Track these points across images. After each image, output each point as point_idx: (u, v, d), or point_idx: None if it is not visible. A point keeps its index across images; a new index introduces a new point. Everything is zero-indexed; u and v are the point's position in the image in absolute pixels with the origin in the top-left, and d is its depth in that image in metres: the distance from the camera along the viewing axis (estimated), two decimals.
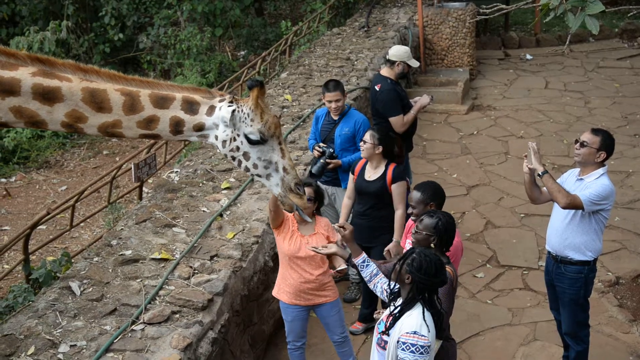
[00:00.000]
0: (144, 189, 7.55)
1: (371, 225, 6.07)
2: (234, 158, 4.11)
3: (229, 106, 3.97)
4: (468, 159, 10.09)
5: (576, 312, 5.35)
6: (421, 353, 3.75)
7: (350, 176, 6.35)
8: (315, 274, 5.24)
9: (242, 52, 15.97)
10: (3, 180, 10.91)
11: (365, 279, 4.46)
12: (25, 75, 3.62)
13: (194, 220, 6.16)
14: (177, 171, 7.31)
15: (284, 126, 8.41)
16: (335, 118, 6.86)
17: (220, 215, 6.28)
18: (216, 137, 4.03)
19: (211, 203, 6.52)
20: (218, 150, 4.10)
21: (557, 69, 13.95)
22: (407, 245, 5.08)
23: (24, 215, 9.58)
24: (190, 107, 3.94)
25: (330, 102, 6.76)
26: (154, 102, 3.85)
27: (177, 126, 3.93)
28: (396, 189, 5.98)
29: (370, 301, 6.38)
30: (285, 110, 8.96)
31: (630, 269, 7.13)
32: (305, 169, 7.25)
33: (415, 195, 4.98)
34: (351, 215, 6.35)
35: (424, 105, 7.42)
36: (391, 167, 6.07)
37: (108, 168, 7.22)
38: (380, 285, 4.37)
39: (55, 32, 13.26)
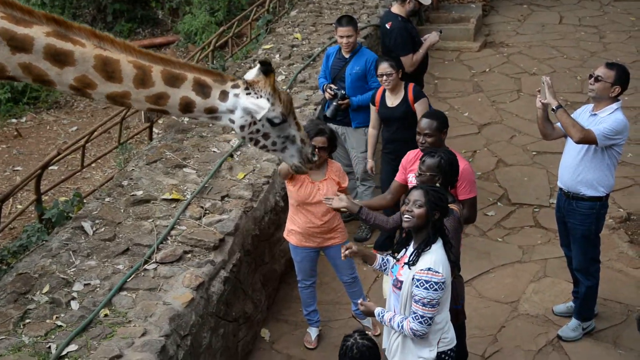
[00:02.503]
0: (154, 129, 7.53)
1: (401, 148, 5.97)
2: (251, 139, 4.13)
3: (247, 94, 3.94)
4: (480, 97, 9.98)
5: (587, 248, 5.36)
6: (435, 290, 3.81)
7: (372, 107, 6.46)
8: (324, 219, 5.25)
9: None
10: (14, 120, 10.91)
11: (384, 272, 4.43)
12: (39, 34, 3.57)
13: (205, 161, 6.16)
14: None
15: (294, 65, 8.33)
16: (347, 55, 6.78)
17: (231, 155, 6.27)
18: (231, 121, 4.03)
19: (221, 143, 6.50)
20: (233, 132, 4.10)
21: (572, 3, 13.65)
22: (411, 179, 5.05)
23: (35, 156, 9.61)
24: (202, 89, 3.91)
25: (342, 37, 6.67)
26: (166, 79, 3.81)
27: (187, 106, 3.92)
28: (419, 107, 6.17)
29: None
30: (295, 49, 8.85)
31: None
32: (315, 109, 7.21)
33: (429, 123, 4.94)
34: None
35: (432, 43, 7.33)
36: (410, 87, 6.28)
37: (118, 109, 7.18)
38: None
39: None
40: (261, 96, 3.94)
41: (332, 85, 6.69)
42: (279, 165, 5.53)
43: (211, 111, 3.99)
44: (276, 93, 4.01)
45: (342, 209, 4.78)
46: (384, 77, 6.13)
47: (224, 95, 3.95)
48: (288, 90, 7.59)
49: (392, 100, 6.27)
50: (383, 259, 4.37)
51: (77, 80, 3.70)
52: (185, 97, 3.89)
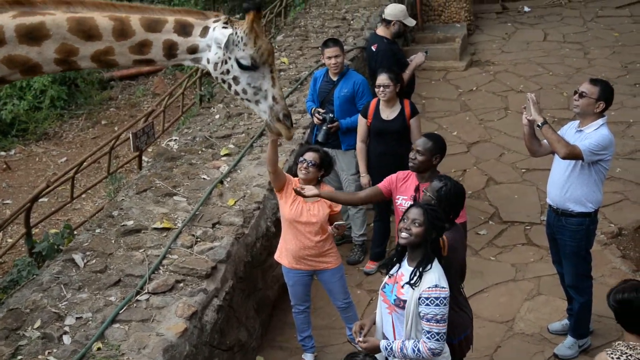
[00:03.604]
0: (143, 158, 7.51)
1: (393, 163, 5.95)
2: (224, 81, 4.02)
3: (224, 27, 3.87)
4: (468, 115, 10.03)
5: (578, 264, 5.36)
6: (445, 305, 3.85)
7: (362, 120, 6.46)
8: (315, 240, 5.22)
9: (237, 15, 15.79)
10: (2, 153, 10.87)
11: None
12: (6, 19, 3.48)
13: (195, 188, 6.15)
14: (175, 139, 7.28)
15: (282, 89, 8.32)
16: (335, 78, 6.81)
17: (221, 182, 6.26)
18: (208, 60, 3.94)
19: (211, 170, 6.50)
20: (211, 73, 4.00)
21: (556, 20, 13.79)
22: (401, 202, 5.04)
23: (25, 189, 9.57)
24: (184, 29, 3.83)
25: (329, 58, 6.70)
26: (145, 25, 3.73)
27: (170, 49, 3.82)
28: (414, 122, 6.27)
29: (381, 240, 6.51)
30: (282, 73, 8.87)
31: (632, 219, 7.13)
32: (304, 132, 7.22)
33: (425, 142, 4.95)
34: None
35: (419, 63, 7.38)
36: (406, 102, 6.35)
37: (107, 138, 7.19)
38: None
39: None
40: (237, 33, 3.83)
41: (320, 110, 6.71)
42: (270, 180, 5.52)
43: (193, 50, 3.89)
44: (253, 34, 3.86)
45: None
46: (381, 88, 6.18)
47: (204, 31, 3.87)
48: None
49: (388, 114, 6.29)
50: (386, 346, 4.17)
51: (58, 51, 3.59)
52: (168, 39, 3.81)
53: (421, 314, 3.86)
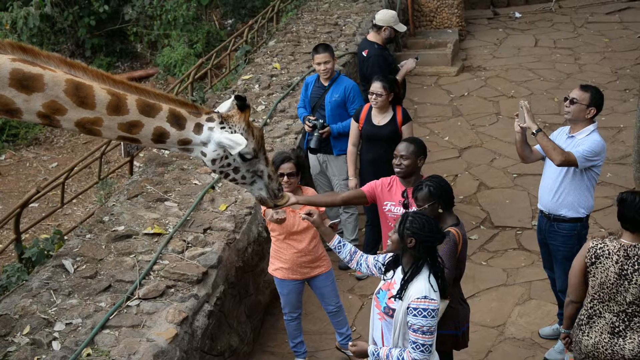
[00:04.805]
0: (134, 163, 7.51)
1: (383, 168, 5.94)
2: (222, 172, 4.08)
3: (222, 127, 3.91)
4: (459, 120, 10.06)
5: (569, 269, 5.37)
6: (433, 317, 3.81)
7: (354, 124, 6.45)
8: (312, 245, 5.26)
9: (229, 21, 15.78)
10: None
11: (345, 260, 4.44)
12: (4, 60, 3.42)
13: (186, 194, 6.14)
14: None
15: (274, 95, 8.36)
16: (325, 83, 6.82)
17: (212, 187, 6.25)
18: (203, 154, 3.98)
19: (202, 175, 6.49)
20: (207, 165, 4.06)
21: (547, 26, 13.85)
22: (389, 207, 5.05)
23: (16, 194, 9.55)
24: (177, 120, 3.85)
25: (319, 64, 6.71)
26: (141, 108, 3.73)
27: (160, 137, 3.84)
28: (406, 129, 6.25)
29: (373, 244, 6.50)
30: (274, 78, 8.88)
31: None
32: (296, 137, 7.22)
33: (407, 146, 4.95)
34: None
35: (409, 69, 7.40)
36: (398, 108, 6.31)
37: (98, 143, 7.16)
38: (364, 261, 4.37)
39: (39, 7, 13.06)
40: (235, 131, 3.90)
41: (310, 117, 6.72)
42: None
43: (184, 143, 3.93)
44: (250, 129, 3.97)
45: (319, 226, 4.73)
46: (374, 96, 6.17)
47: (198, 128, 3.91)
48: (268, 120, 7.60)
49: (379, 119, 6.29)
50: (340, 241, 4.41)
51: (46, 106, 3.52)
52: (160, 127, 3.81)
53: (409, 324, 3.85)
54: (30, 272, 5.21)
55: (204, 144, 3.93)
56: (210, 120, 3.91)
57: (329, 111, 6.75)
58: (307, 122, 6.70)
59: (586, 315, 4.26)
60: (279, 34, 11.00)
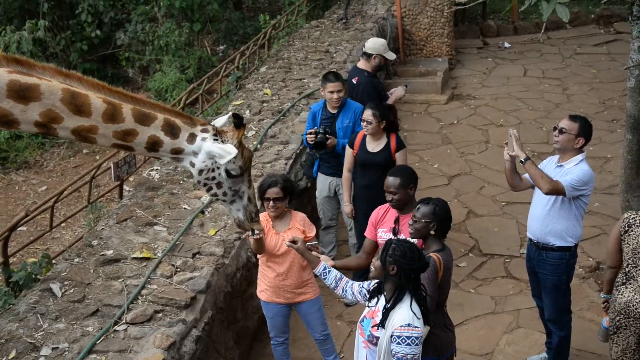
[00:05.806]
0: (124, 187, 7.51)
1: (376, 195, 5.88)
2: (205, 185, 4.15)
3: (215, 139, 3.98)
4: (449, 148, 10.12)
5: (558, 298, 5.39)
6: (417, 345, 3.82)
7: (349, 150, 6.47)
8: (292, 270, 5.21)
9: (221, 47, 15.90)
10: None
11: (330, 287, 4.46)
12: (1, 72, 3.46)
13: (175, 218, 6.14)
14: (157, 169, 7.27)
15: (264, 120, 8.39)
16: (334, 111, 6.83)
17: (202, 212, 6.26)
18: (192, 164, 4.04)
19: (192, 200, 6.49)
20: (191, 175, 4.11)
21: (535, 57, 14.00)
22: (381, 234, 5.06)
23: (4, 217, 9.51)
24: (171, 129, 3.92)
25: (332, 92, 6.72)
26: (136, 117, 3.80)
27: (154, 145, 3.91)
28: (400, 157, 6.28)
29: (364, 270, 6.44)
30: (265, 104, 8.93)
31: None
32: (286, 163, 7.24)
33: (393, 181, 4.95)
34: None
35: (398, 97, 7.47)
36: (392, 136, 6.34)
37: (88, 167, 7.17)
38: (350, 288, 4.38)
39: (32, 32, 13.11)
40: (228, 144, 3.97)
41: (311, 130, 6.66)
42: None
43: (177, 152, 3.99)
44: (241, 147, 4.04)
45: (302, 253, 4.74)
46: (365, 123, 6.21)
47: (192, 138, 3.96)
48: (259, 146, 7.63)
49: (373, 146, 6.31)
50: (326, 268, 4.45)
51: (43, 115, 3.57)
52: (154, 135, 3.87)
53: (392, 352, 3.85)
54: (17, 295, 5.19)
55: (195, 153, 3.99)
56: (205, 131, 3.98)
57: (341, 137, 6.76)
58: (308, 136, 6.66)
59: (622, 278, 4.74)
60: (270, 60, 11.07)
